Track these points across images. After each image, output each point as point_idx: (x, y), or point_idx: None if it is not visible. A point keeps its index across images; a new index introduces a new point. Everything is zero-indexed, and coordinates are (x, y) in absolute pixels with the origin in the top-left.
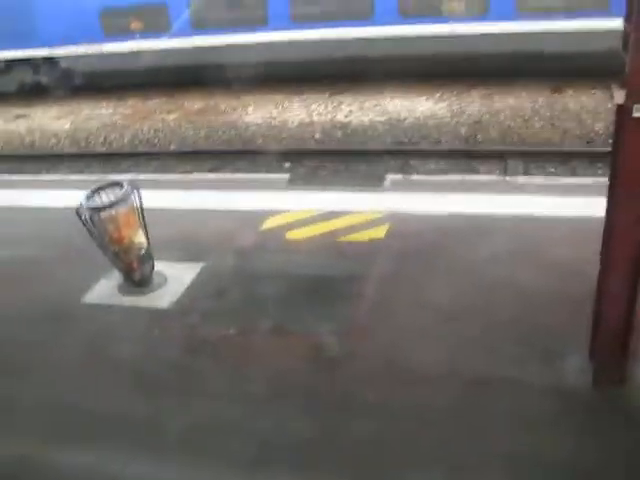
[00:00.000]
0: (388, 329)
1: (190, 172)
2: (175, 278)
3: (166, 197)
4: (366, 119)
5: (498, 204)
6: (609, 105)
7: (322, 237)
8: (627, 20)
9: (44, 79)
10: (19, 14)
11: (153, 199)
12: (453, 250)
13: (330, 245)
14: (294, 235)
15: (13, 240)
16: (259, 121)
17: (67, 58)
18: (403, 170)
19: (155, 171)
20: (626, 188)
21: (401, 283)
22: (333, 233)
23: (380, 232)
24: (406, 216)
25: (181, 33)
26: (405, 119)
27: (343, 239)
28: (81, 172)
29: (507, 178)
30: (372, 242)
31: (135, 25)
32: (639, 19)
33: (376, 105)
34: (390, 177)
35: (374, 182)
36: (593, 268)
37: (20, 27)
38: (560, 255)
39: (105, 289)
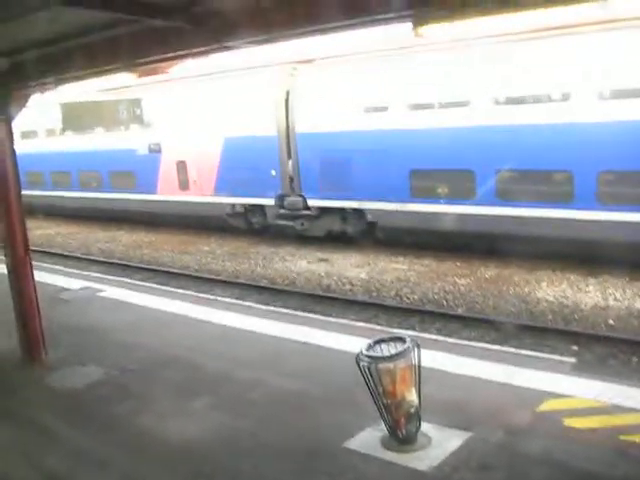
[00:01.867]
0: None
1: (472, 338)
2: (439, 443)
3: (444, 360)
4: None
5: None
6: None
7: (602, 431)
8: None
9: (350, 229)
10: (338, 169)
11: (432, 359)
12: None
13: (611, 441)
14: (573, 423)
15: (290, 372)
16: (551, 298)
17: (373, 211)
18: None
19: (438, 332)
20: None
21: None
22: (616, 429)
23: None
24: None
25: (485, 201)
26: None
27: (626, 438)
28: (367, 321)
29: None
30: None
31: (442, 190)
32: None
33: None
34: None
35: None
36: None
37: (337, 180)
38: None
39: (369, 438)
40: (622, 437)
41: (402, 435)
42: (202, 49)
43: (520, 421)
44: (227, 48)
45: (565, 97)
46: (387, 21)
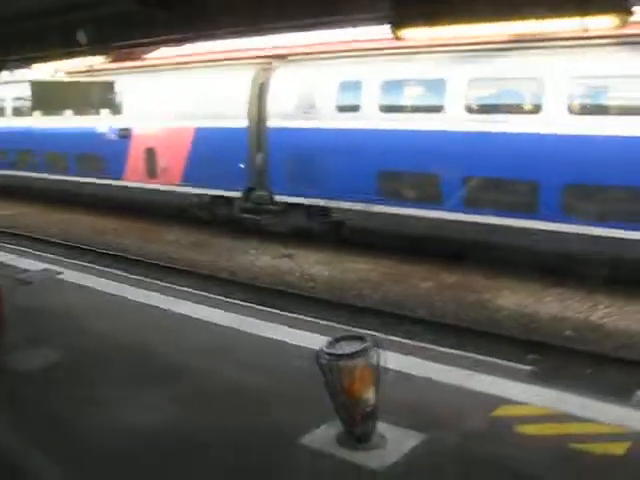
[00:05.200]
0: None
1: (432, 341)
2: (394, 443)
3: (403, 361)
4: (624, 325)
5: None
6: None
7: (554, 438)
8: None
9: (315, 226)
10: (307, 166)
11: (391, 360)
12: None
13: (561, 449)
14: (525, 430)
15: (248, 366)
16: (511, 306)
17: (339, 211)
18: None
19: (398, 334)
20: None
21: None
22: (567, 437)
23: (618, 449)
24: None
25: (451, 207)
26: None
27: (576, 446)
28: (328, 319)
29: None
30: (607, 457)
31: (409, 193)
32: None
33: (637, 312)
34: None
35: (621, 394)
36: None
37: (305, 177)
38: None
39: (324, 435)
40: (571, 445)
41: (358, 434)
42: (176, 36)
43: (474, 425)
44: (202, 37)
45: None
46: (364, 22)
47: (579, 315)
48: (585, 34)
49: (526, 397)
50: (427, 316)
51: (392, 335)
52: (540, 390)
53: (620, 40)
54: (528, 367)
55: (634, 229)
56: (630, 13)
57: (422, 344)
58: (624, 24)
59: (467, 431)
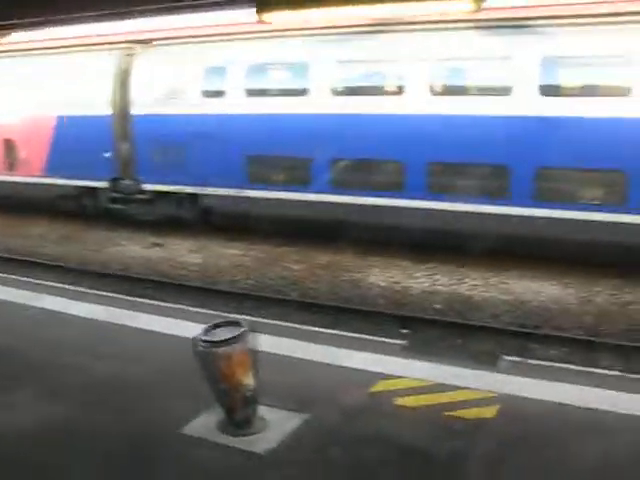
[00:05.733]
0: None
1: (307, 322)
2: (276, 425)
3: (280, 343)
4: (489, 296)
5: (619, 401)
6: None
7: (430, 408)
8: None
9: (185, 214)
10: (174, 154)
11: (269, 344)
12: (565, 442)
13: (437, 418)
14: (402, 402)
15: (123, 358)
16: (382, 284)
17: (208, 197)
18: (521, 353)
19: (274, 317)
20: None
21: (504, 469)
22: (442, 406)
23: (489, 412)
24: (518, 400)
25: (321, 189)
26: (530, 301)
27: (451, 413)
28: (202, 306)
29: (630, 375)
30: (479, 421)
31: (278, 177)
32: None
33: (502, 283)
34: (507, 358)
35: (490, 361)
36: None
37: (173, 165)
38: None
39: (205, 423)
40: (446, 413)
41: (239, 419)
42: (34, 19)
43: (355, 402)
44: (62, 22)
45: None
46: (230, 5)
47: (447, 289)
48: (446, 18)
49: (402, 371)
50: (301, 297)
51: (268, 318)
52: (415, 363)
53: (477, 24)
54: (402, 342)
55: (492, 204)
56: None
57: (297, 325)
58: (478, 9)
59: (348, 408)
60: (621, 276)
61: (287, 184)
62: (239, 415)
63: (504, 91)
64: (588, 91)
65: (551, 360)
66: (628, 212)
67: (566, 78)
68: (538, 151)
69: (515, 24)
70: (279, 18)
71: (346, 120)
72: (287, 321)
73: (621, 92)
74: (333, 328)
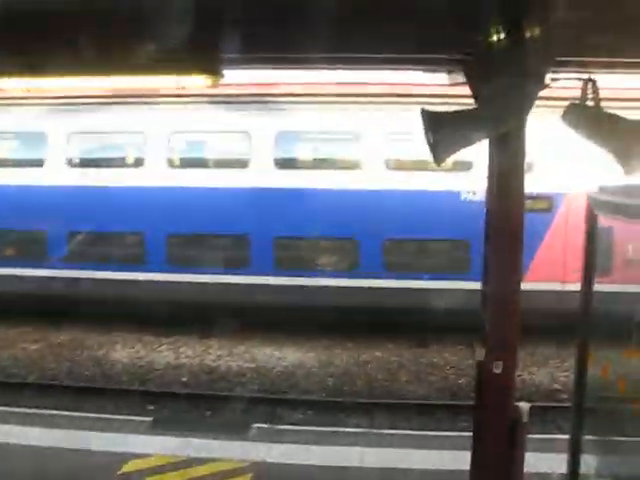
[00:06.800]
0: None
1: (48, 407)
2: None
3: (19, 432)
4: (235, 365)
5: (367, 457)
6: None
7: None
8: (484, 283)
9: None
10: None
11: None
12: None
13: None
14: None
15: None
16: (125, 360)
17: None
18: (269, 419)
19: (8, 403)
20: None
21: None
22: None
23: None
24: (270, 466)
25: (58, 264)
26: (274, 368)
27: None
28: None
29: (374, 431)
30: None
31: (9, 251)
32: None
33: (245, 352)
34: (256, 426)
35: (240, 430)
36: None
37: None
38: None
39: None
40: None
41: None
42: None
43: None
44: None
45: None
46: None
47: (193, 361)
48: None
49: (151, 448)
50: (39, 380)
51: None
52: (163, 439)
53: (215, 99)
54: (149, 418)
55: (233, 273)
56: (220, 75)
57: (34, 410)
58: (216, 84)
59: None
60: (356, 338)
61: (20, 259)
62: None
63: (241, 164)
64: (320, 164)
65: (298, 424)
66: (361, 277)
67: (300, 152)
68: (274, 221)
69: (252, 100)
70: (14, 85)
71: (82, 192)
72: (23, 407)
73: (351, 165)
74: (75, 410)
